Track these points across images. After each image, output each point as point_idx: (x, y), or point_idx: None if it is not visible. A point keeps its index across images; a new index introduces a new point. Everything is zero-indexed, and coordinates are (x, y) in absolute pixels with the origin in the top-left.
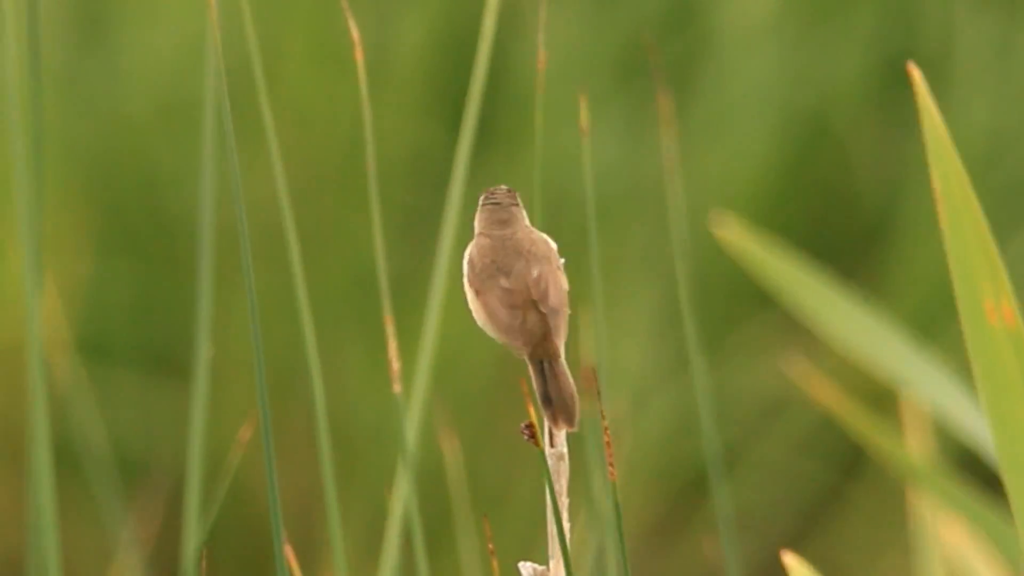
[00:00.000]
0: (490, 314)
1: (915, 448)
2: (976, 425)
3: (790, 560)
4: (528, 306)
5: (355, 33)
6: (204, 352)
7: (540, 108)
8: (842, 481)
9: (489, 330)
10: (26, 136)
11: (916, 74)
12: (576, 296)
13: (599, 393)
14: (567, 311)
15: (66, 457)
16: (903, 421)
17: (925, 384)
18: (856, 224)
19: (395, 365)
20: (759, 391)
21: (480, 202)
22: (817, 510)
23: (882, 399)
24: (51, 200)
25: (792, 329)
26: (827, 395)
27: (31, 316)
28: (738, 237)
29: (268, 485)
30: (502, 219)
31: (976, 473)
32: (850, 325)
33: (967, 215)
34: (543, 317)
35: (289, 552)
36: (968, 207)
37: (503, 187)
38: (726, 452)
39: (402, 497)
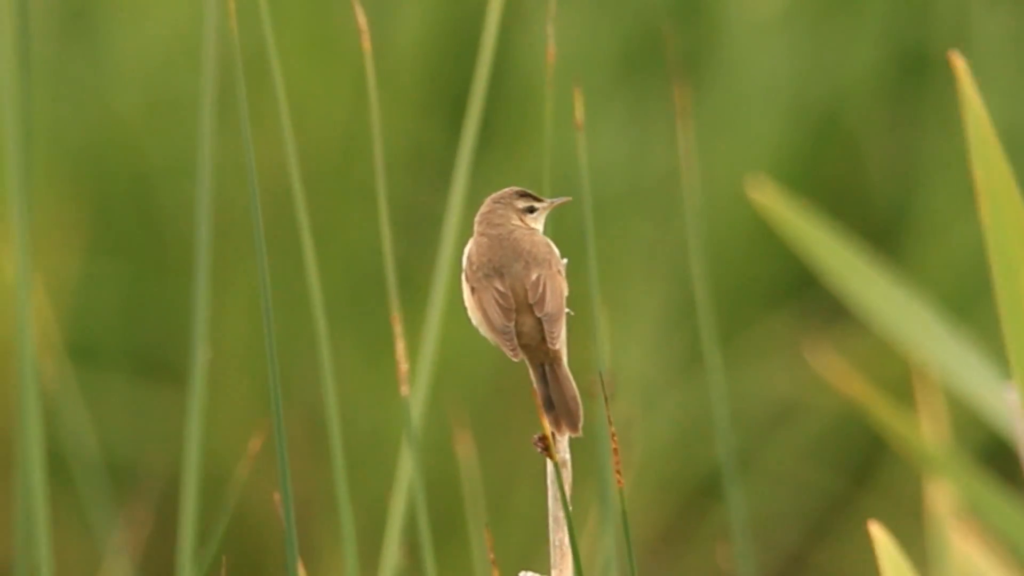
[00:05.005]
0: (484, 314)
1: (937, 440)
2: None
3: (876, 531)
4: (523, 310)
5: (362, 19)
6: (201, 355)
7: (550, 101)
8: (854, 488)
9: (483, 330)
10: (16, 137)
11: (960, 64)
12: (579, 297)
13: (606, 398)
14: (564, 315)
15: (54, 461)
16: (926, 412)
17: (962, 368)
18: (869, 216)
19: (403, 367)
20: (769, 395)
21: (486, 202)
22: (828, 517)
23: (904, 392)
24: (39, 198)
25: (801, 331)
26: (852, 385)
27: (22, 321)
28: (774, 203)
29: (283, 497)
30: (496, 221)
31: (1002, 466)
32: (883, 294)
33: (1008, 207)
34: (539, 322)
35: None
36: (1009, 199)
37: (516, 188)
38: (736, 458)
39: (403, 501)
